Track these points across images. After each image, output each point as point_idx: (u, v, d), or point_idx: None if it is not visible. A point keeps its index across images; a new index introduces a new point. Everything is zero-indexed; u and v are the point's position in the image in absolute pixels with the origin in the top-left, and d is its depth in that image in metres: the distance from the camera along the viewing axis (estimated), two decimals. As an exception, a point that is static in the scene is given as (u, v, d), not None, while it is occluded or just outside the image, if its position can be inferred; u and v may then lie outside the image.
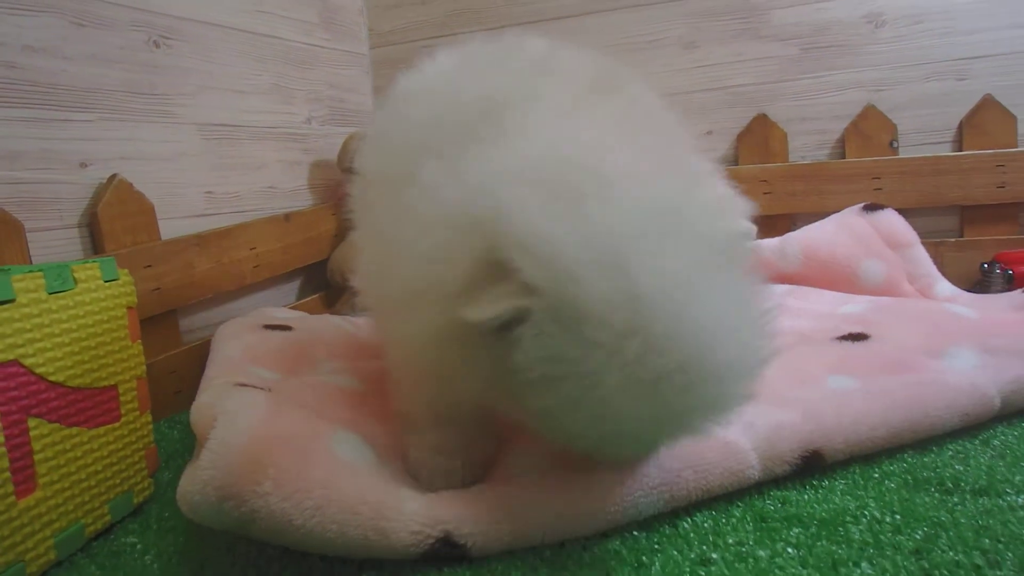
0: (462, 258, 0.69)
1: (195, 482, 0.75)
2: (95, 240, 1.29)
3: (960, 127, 1.85)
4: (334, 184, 2.06)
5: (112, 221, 1.30)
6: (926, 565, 0.73)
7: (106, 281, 0.97)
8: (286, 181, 1.88)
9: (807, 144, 1.97)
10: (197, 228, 1.54)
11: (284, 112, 1.89)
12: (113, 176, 1.34)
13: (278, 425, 0.83)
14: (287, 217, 1.81)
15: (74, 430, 0.89)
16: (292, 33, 1.94)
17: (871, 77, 1.91)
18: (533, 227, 0.65)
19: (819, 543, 0.79)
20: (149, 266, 1.36)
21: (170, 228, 1.47)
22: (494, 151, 0.74)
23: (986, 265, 1.73)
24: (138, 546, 0.90)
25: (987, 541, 0.76)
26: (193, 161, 1.57)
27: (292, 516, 0.75)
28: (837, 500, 0.87)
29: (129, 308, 1.01)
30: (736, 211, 0.74)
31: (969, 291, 1.67)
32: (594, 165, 0.69)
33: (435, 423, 0.90)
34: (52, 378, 0.86)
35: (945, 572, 0.72)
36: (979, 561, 0.73)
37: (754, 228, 0.74)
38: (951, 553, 0.75)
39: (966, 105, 1.84)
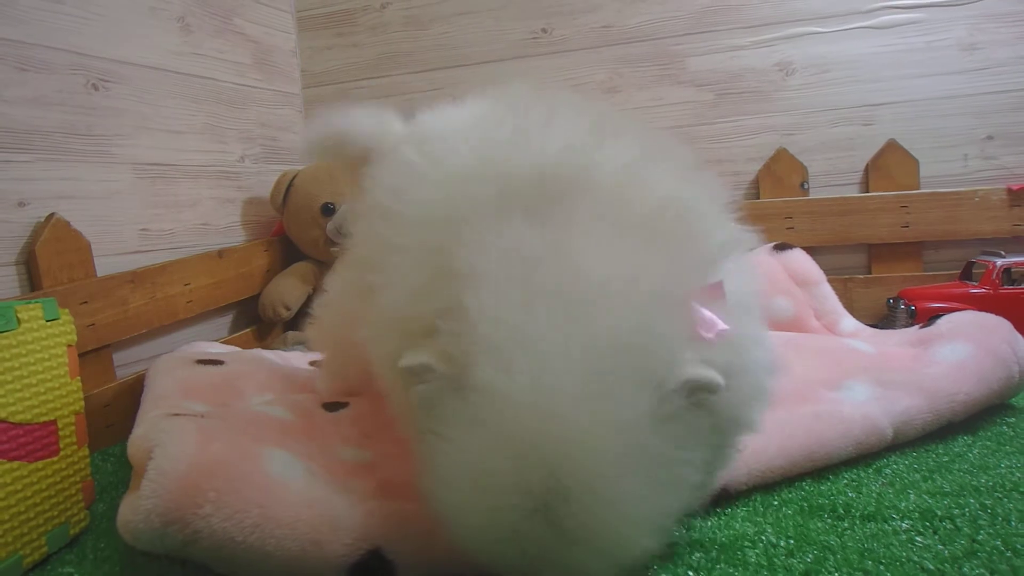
0: (432, 303, 0.71)
1: (137, 511, 0.80)
2: (32, 277, 1.32)
3: (866, 170, 1.97)
4: (266, 221, 2.10)
5: (49, 259, 1.34)
6: (813, 584, 0.80)
7: (47, 320, 1.01)
8: (220, 218, 1.92)
9: (723, 185, 2.05)
10: (132, 265, 1.57)
11: (218, 151, 1.93)
12: (51, 215, 1.37)
13: (212, 450, 0.88)
14: (220, 253, 1.85)
15: (14, 464, 0.93)
16: (226, 74, 1.98)
17: (782, 122, 2.02)
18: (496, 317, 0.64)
19: (718, 566, 0.85)
20: (85, 302, 1.39)
21: (106, 265, 1.50)
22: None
23: (891, 301, 1.83)
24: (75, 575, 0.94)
25: (870, 563, 0.83)
26: (129, 200, 1.61)
27: (233, 534, 0.80)
28: (737, 526, 0.94)
29: (69, 346, 1.05)
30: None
31: (876, 325, 1.77)
32: (579, 289, 0.65)
33: None
34: (-4, 415, 0.90)
35: (829, 590, 0.79)
36: (860, 580, 0.80)
37: (721, 382, 0.66)
38: (837, 574, 0.82)
39: (871, 149, 1.95)
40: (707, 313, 0.68)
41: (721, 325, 0.67)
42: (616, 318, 0.64)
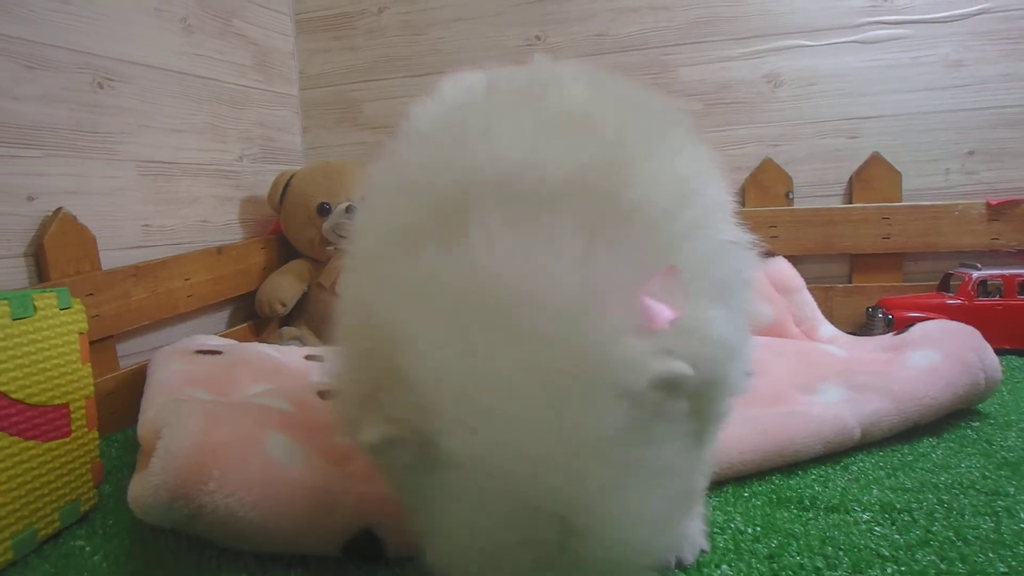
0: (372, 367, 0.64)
1: (147, 487, 0.86)
2: (40, 269, 1.37)
3: (850, 181, 2.02)
4: (264, 219, 2.15)
5: (57, 251, 1.39)
6: (776, 567, 0.86)
7: (61, 309, 1.07)
8: (219, 216, 1.97)
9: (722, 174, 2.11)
10: (135, 259, 1.62)
11: (218, 150, 1.98)
12: (58, 209, 1.42)
13: (217, 433, 0.95)
14: (219, 250, 1.90)
15: (30, 443, 0.99)
16: (227, 75, 2.04)
17: (769, 133, 2.07)
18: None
19: (688, 550, 0.91)
20: (91, 294, 1.44)
21: (110, 259, 1.55)
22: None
23: (871, 309, 1.89)
24: (87, 548, 1.00)
25: (830, 548, 0.90)
26: (132, 196, 1.66)
27: (235, 509, 0.87)
28: (708, 514, 0.99)
29: (80, 334, 1.10)
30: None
31: (855, 333, 1.83)
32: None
33: None
34: (13, 396, 0.96)
35: (791, 572, 0.85)
36: (820, 564, 0.86)
37: (689, 372, 0.58)
38: (798, 558, 0.88)
39: (856, 161, 2.01)
40: (653, 303, 0.59)
41: (669, 313, 0.59)
42: (549, 334, 0.56)
